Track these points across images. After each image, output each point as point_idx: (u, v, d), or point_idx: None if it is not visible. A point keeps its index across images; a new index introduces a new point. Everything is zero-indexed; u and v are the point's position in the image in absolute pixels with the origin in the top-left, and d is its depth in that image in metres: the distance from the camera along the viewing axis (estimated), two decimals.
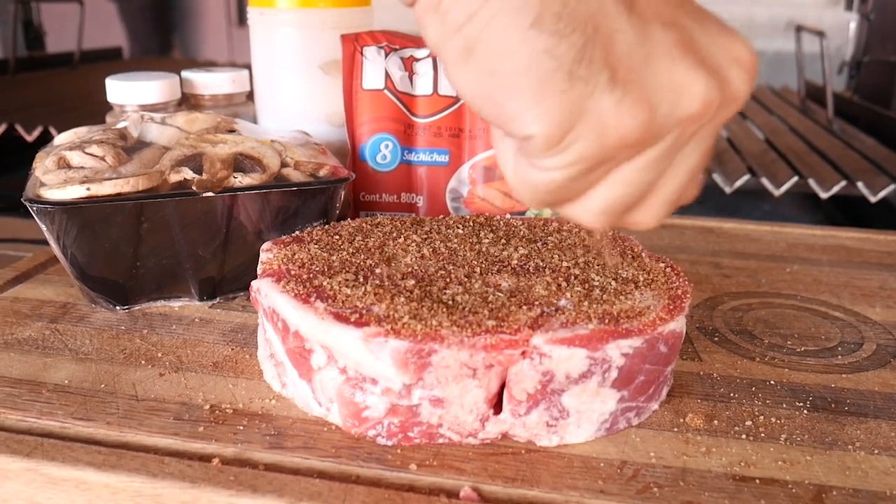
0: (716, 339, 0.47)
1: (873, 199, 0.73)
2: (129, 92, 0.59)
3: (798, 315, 0.50)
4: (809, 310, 0.51)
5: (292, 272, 0.40)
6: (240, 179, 0.47)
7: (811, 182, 0.74)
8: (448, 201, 0.59)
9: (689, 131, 0.27)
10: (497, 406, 0.36)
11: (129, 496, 0.34)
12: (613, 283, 0.39)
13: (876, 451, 0.36)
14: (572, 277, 0.40)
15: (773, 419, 0.39)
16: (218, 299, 0.50)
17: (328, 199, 0.49)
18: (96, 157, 0.46)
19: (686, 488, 0.33)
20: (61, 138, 0.52)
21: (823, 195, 0.73)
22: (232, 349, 0.44)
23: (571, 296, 0.38)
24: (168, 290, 0.49)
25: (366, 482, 0.34)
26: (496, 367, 0.34)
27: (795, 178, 0.74)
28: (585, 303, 0.37)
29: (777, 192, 0.74)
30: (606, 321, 0.35)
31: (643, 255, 0.44)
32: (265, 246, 0.44)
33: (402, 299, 0.37)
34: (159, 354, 0.43)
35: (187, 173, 0.46)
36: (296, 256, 0.42)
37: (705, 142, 0.28)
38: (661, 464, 0.35)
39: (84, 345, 0.44)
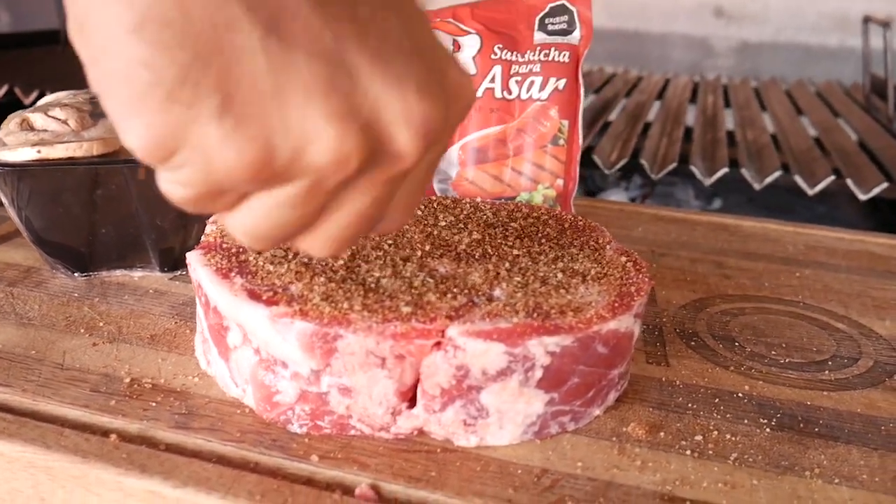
0: (692, 343, 0.43)
1: None
2: None
3: (793, 323, 0.46)
4: (809, 318, 0.47)
5: (224, 245, 0.38)
6: None
7: (849, 182, 0.68)
8: (435, 183, 0.56)
9: (335, 179, 0.23)
10: (413, 400, 0.33)
11: (23, 466, 0.32)
12: (560, 274, 0.36)
13: (836, 481, 0.32)
14: (516, 267, 0.37)
15: (729, 435, 0.35)
16: (180, 272, 0.49)
17: None
18: (59, 120, 0.46)
19: None
20: (44, 100, 0.51)
21: (862, 196, 0.67)
22: (175, 323, 0.43)
23: (507, 286, 0.35)
24: (129, 259, 0.48)
25: (263, 471, 0.32)
26: (409, 357, 0.32)
27: (832, 178, 0.68)
28: (519, 294, 0.34)
29: (811, 192, 0.69)
30: (535, 315, 0.32)
31: (607, 247, 0.40)
32: (212, 217, 0.42)
33: (322, 279, 0.34)
34: (101, 324, 0.42)
35: None
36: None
37: (375, 191, 0.24)
38: (586, 475, 0.32)
39: (31, 310, 0.43)
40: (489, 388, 0.32)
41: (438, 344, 0.31)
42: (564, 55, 0.54)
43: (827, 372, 0.40)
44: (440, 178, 0.56)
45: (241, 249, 0.37)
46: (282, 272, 0.35)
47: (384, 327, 0.31)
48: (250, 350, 0.34)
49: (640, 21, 2.18)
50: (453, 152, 0.56)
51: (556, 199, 0.55)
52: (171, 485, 0.30)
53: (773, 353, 0.42)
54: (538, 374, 0.32)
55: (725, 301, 0.48)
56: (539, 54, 0.54)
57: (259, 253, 0.37)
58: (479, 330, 0.31)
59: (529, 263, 0.37)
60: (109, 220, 0.46)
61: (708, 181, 0.71)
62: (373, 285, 0.34)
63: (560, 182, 0.55)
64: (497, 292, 0.34)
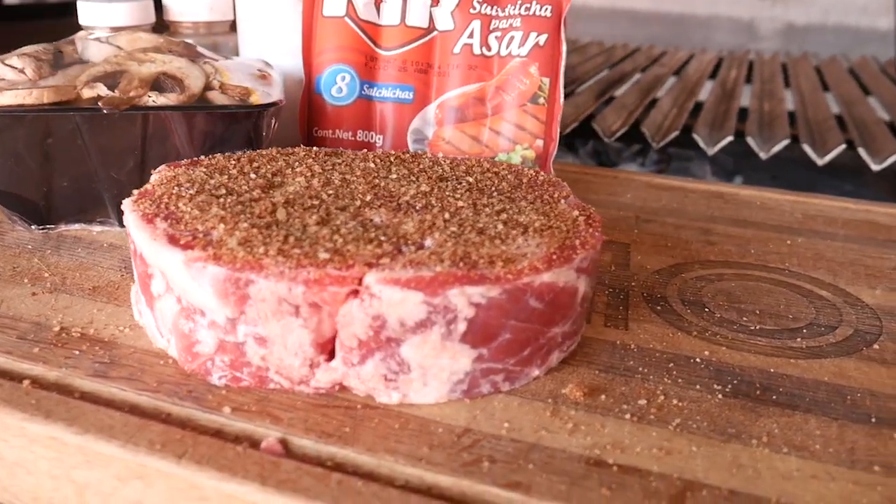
0: (659, 307, 0.40)
1: None
2: (97, 13, 0.57)
3: (773, 290, 0.43)
4: (791, 285, 0.44)
5: (157, 193, 0.37)
6: (153, 99, 0.44)
7: (861, 152, 0.64)
8: (410, 143, 0.54)
9: None
10: (333, 353, 0.31)
11: None
12: (501, 225, 0.34)
13: (785, 450, 0.29)
14: (456, 217, 0.34)
15: (676, 401, 0.32)
16: None
17: (252, 127, 0.46)
18: (15, 68, 0.45)
19: (522, 467, 0.28)
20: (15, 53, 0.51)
21: (875, 167, 0.63)
22: (122, 276, 0.42)
23: (440, 235, 0.32)
24: (89, 213, 0.47)
25: (174, 421, 0.30)
26: (325, 307, 0.30)
27: (843, 147, 0.65)
28: (450, 243, 0.32)
29: (820, 162, 0.65)
30: (461, 265, 0.30)
31: (562, 201, 0.38)
32: (159, 168, 0.41)
33: (246, 225, 0.33)
34: (46, 274, 0.41)
35: (101, 90, 0.44)
36: (176, 178, 0.38)
37: None
38: (510, 436, 0.30)
39: None
40: (409, 340, 0.30)
41: (356, 292, 0.30)
42: (546, 9, 0.52)
43: (799, 339, 0.38)
44: (416, 137, 0.54)
45: (173, 197, 0.36)
46: (207, 217, 0.33)
47: (297, 273, 0.29)
48: (173, 298, 0.33)
49: (685, 4, 2.12)
50: (430, 111, 0.54)
51: (535, 161, 0.53)
52: (73, 431, 0.29)
53: (745, 319, 0.39)
54: (461, 327, 0.30)
55: (704, 267, 0.46)
56: (520, 8, 0.52)
57: (190, 199, 0.35)
58: (396, 277, 0.29)
59: (471, 214, 0.35)
60: (65, 172, 0.45)
61: (711, 150, 0.67)
62: (298, 232, 0.32)
63: (540, 143, 0.53)
64: (428, 242, 0.32)
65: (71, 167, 0.45)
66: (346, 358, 0.31)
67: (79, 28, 0.59)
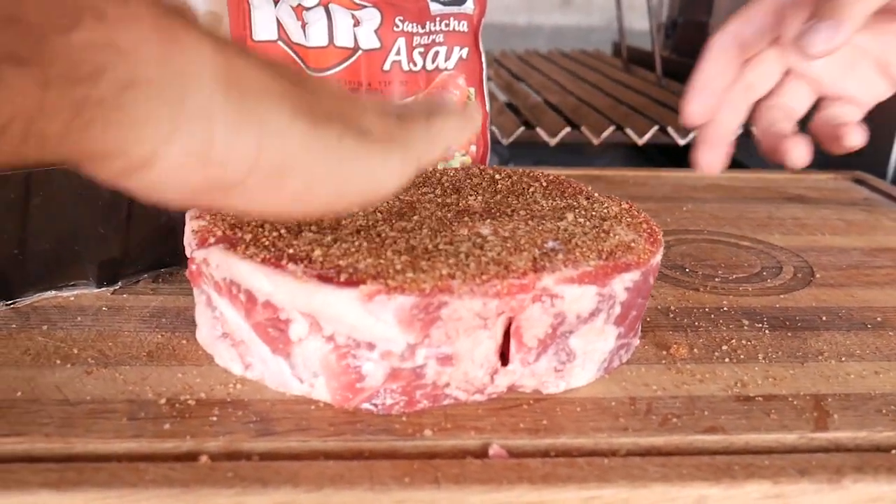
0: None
1: (682, 143, 0.78)
2: None
3: (714, 247, 0.53)
4: (721, 241, 0.54)
5: (245, 237, 0.35)
6: None
7: (629, 131, 0.78)
8: None
9: None
10: (503, 357, 0.34)
11: None
12: (587, 222, 0.38)
13: (843, 359, 0.38)
14: (546, 220, 0.38)
15: (744, 341, 0.40)
16: (119, 284, 0.43)
17: None
18: None
19: (701, 415, 0.33)
20: None
21: (640, 141, 0.77)
22: (162, 336, 0.38)
23: (556, 236, 0.36)
24: (59, 277, 0.41)
25: (381, 456, 0.30)
26: (504, 314, 0.32)
27: (613, 128, 0.78)
28: (573, 241, 0.36)
29: (596, 141, 0.77)
30: (605, 257, 0.34)
31: (596, 195, 0.43)
32: (192, 213, 0.38)
33: (389, 252, 0.33)
34: (75, 350, 0.36)
35: None
36: (241, 220, 0.36)
37: None
38: (667, 395, 0.35)
39: None
40: (578, 331, 0.34)
41: (535, 296, 0.32)
42: (463, 24, 0.56)
43: (769, 280, 0.47)
44: None
45: (273, 238, 0.34)
46: (338, 253, 0.33)
47: (486, 288, 0.31)
48: (320, 339, 0.32)
49: None
50: None
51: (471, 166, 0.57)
52: (305, 490, 0.28)
53: (721, 272, 0.48)
54: (617, 310, 0.34)
55: None
56: (440, 24, 0.55)
57: (295, 238, 0.34)
58: (570, 276, 0.32)
59: (555, 215, 0.39)
60: (41, 230, 0.39)
61: (506, 141, 0.77)
62: (445, 251, 0.34)
63: (473, 148, 0.57)
64: (551, 244, 0.36)
65: (49, 226, 0.39)
66: (524, 359, 0.33)
67: None
